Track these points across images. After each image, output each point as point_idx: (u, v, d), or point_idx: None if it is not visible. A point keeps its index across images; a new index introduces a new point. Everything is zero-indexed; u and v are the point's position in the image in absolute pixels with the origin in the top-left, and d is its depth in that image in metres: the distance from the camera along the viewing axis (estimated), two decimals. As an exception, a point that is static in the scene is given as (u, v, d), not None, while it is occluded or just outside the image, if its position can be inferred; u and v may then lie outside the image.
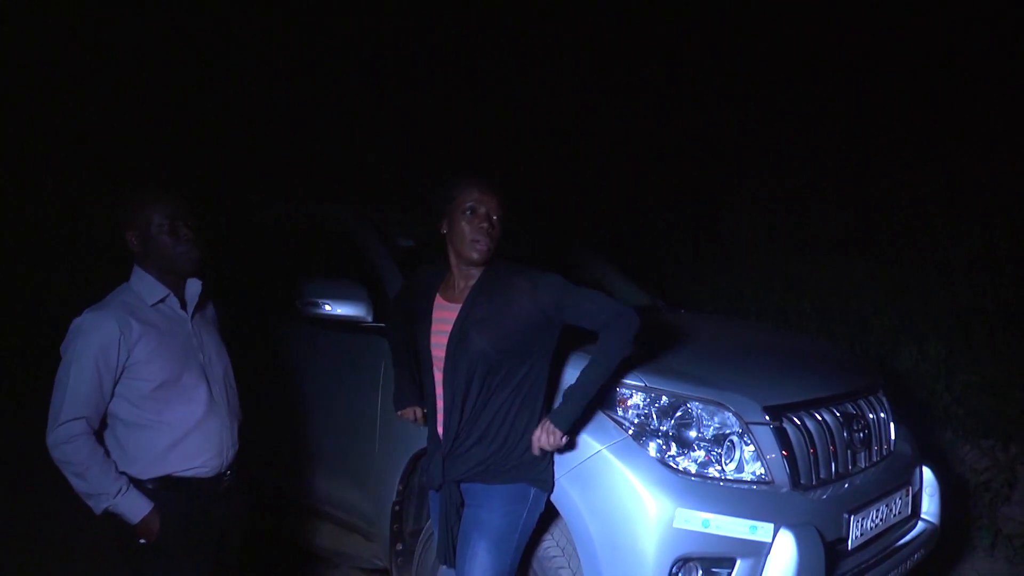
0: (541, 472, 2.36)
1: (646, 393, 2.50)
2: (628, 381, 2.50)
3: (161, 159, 7.60)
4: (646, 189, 7.85)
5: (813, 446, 2.61)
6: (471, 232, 2.27)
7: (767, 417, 2.53)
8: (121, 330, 2.06)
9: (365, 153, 8.60)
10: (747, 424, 2.50)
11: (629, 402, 2.50)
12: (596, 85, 8.84)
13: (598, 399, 2.35)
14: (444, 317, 2.36)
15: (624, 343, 2.21)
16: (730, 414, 2.50)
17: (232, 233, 4.54)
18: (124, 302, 2.14)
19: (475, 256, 2.28)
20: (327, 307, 3.14)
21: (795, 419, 2.60)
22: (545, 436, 2.23)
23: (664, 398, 2.50)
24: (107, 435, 2.14)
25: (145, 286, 2.18)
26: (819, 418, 2.68)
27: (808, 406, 2.69)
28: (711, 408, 2.50)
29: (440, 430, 2.36)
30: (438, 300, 2.41)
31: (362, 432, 3.17)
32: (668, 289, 6.29)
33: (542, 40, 8.95)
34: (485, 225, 2.26)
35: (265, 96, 8.75)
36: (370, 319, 3.15)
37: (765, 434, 2.51)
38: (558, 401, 2.32)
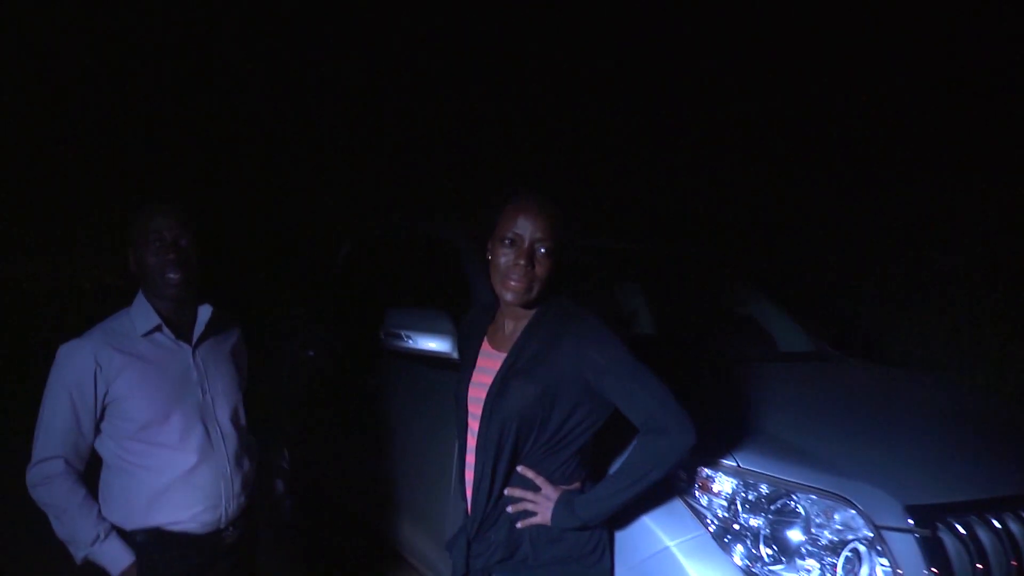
0: (594, 564, 1.88)
1: (738, 477, 1.93)
2: (717, 459, 1.96)
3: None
4: (833, 206, 6.85)
5: (986, 565, 1.90)
6: (505, 268, 1.86)
7: (911, 521, 1.86)
8: (99, 362, 1.88)
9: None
10: (880, 529, 1.85)
11: (714, 487, 1.95)
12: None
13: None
14: (486, 366, 1.96)
15: (666, 462, 1.75)
16: (855, 513, 1.87)
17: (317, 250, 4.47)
18: (112, 330, 1.95)
19: (508, 296, 1.87)
20: (408, 340, 2.85)
21: (958, 526, 1.90)
22: (541, 512, 1.83)
23: (763, 485, 1.92)
24: (101, 475, 1.97)
25: (140, 313, 1.98)
26: (998, 526, 1.95)
27: (981, 507, 1.97)
28: (827, 503, 1.88)
29: (468, 505, 1.96)
30: (484, 345, 2.02)
31: (439, 481, 2.84)
32: (859, 329, 5.41)
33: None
34: (522, 262, 1.83)
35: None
36: (456, 355, 2.81)
37: (907, 545, 1.85)
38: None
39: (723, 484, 1.94)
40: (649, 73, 8.30)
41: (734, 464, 1.95)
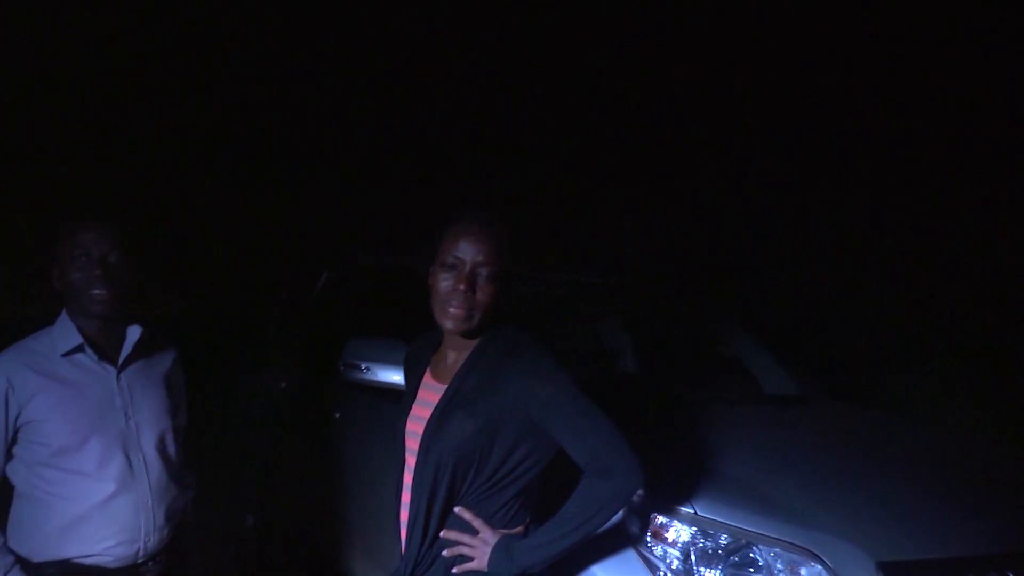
0: None
1: (695, 525, 1.78)
2: (673, 505, 1.81)
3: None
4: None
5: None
6: (444, 294, 1.74)
7: (883, 579, 1.71)
8: (12, 383, 1.77)
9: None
10: (848, 587, 1.69)
11: (669, 535, 1.80)
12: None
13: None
14: (426, 399, 1.84)
15: (610, 506, 1.61)
16: (822, 569, 1.71)
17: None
18: (30, 349, 1.84)
19: (447, 324, 1.74)
20: (367, 371, 2.73)
21: (935, 586, 1.75)
22: (478, 556, 1.68)
23: (722, 535, 1.77)
24: (12, 504, 1.84)
25: (61, 332, 1.87)
26: (979, 586, 1.79)
27: (962, 567, 1.81)
28: (792, 557, 1.73)
29: (403, 547, 1.82)
30: (426, 377, 1.90)
31: (390, 515, 2.69)
32: (853, 370, 5.24)
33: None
34: (462, 287, 1.71)
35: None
36: (415, 387, 2.69)
37: (878, 605, 1.69)
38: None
39: (679, 532, 1.79)
40: (635, 110, 8.25)
41: (691, 511, 1.80)
